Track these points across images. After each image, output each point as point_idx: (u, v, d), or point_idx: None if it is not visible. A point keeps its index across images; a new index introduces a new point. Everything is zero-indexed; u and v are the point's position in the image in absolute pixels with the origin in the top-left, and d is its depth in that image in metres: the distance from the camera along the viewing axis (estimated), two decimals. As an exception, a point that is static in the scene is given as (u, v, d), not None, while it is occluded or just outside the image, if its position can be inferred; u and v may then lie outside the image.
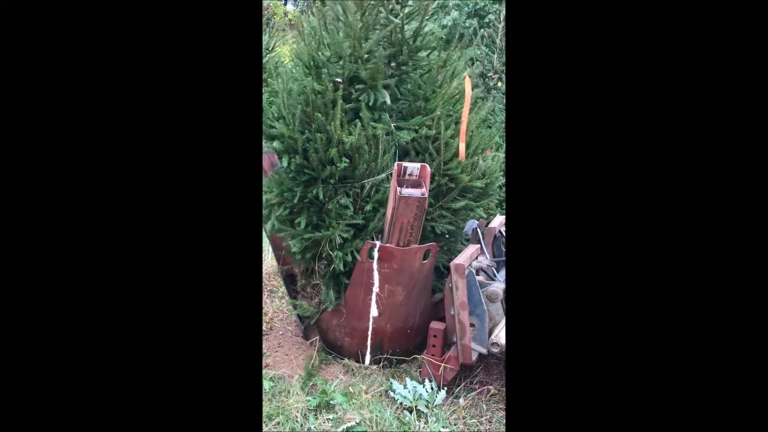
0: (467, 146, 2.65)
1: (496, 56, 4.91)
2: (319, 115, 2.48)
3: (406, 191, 2.28)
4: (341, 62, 2.61)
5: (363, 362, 2.61)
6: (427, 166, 2.42)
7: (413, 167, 2.40)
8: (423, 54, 2.75)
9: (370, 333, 2.57)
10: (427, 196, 2.31)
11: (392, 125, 2.60)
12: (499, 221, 2.89)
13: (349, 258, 2.53)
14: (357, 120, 2.52)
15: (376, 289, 2.42)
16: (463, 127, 2.56)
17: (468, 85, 2.59)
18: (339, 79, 2.57)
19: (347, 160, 2.47)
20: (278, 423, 2.32)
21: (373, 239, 2.53)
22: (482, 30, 5.14)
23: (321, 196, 2.53)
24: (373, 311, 2.46)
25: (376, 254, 2.41)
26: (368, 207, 2.56)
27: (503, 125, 4.19)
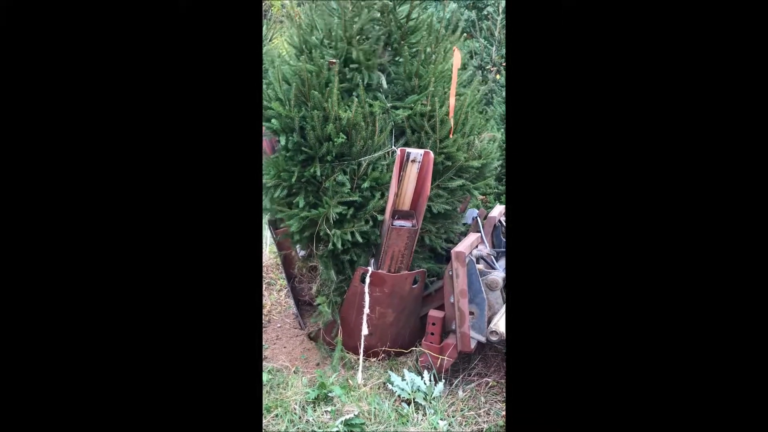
0: (461, 125, 2.64)
1: (494, 49, 4.87)
2: (315, 92, 2.45)
3: (398, 222, 2.43)
4: (333, 44, 2.58)
5: (356, 380, 2.59)
6: (431, 152, 2.39)
7: (416, 153, 2.38)
8: (416, 35, 2.73)
9: (361, 352, 2.62)
10: (418, 228, 2.44)
11: (388, 105, 2.58)
12: (498, 211, 2.87)
13: (348, 237, 2.51)
14: (354, 96, 2.49)
15: (366, 310, 2.56)
16: (453, 91, 2.56)
17: (456, 56, 2.57)
18: (333, 60, 2.55)
19: (344, 136, 2.44)
20: (276, 415, 2.29)
21: (370, 222, 2.53)
22: (481, 22, 5.11)
23: (319, 174, 2.50)
24: (364, 330, 2.57)
25: (368, 279, 2.54)
26: (365, 185, 2.53)
27: (501, 118, 4.16)
